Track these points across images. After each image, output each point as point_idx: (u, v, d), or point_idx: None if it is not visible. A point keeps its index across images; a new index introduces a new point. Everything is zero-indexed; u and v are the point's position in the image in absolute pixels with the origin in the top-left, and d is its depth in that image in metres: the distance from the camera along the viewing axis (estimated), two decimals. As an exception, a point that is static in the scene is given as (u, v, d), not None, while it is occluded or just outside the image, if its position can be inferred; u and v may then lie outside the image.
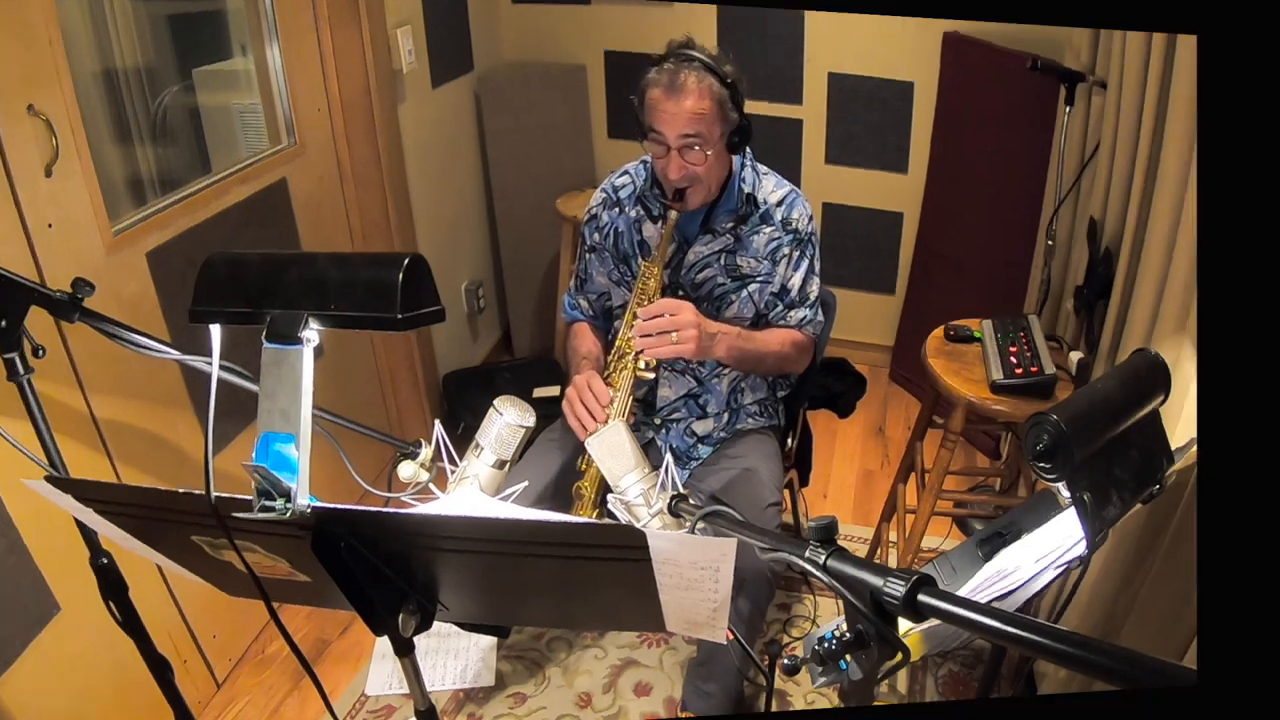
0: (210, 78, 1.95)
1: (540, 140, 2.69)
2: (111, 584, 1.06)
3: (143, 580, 1.14)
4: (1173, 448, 0.87)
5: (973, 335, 1.72)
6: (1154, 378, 0.84)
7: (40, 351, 0.97)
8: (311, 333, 0.73)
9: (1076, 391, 1.02)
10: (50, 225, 1.35)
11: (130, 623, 1.09)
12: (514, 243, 2.82)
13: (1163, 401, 0.84)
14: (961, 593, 0.76)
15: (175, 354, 1.00)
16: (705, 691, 1.56)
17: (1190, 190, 1.26)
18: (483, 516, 0.80)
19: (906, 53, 2.46)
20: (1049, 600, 1.55)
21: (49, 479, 0.78)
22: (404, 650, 0.84)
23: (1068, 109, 1.76)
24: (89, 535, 1.04)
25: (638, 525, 0.85)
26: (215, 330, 0.74)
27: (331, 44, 2.01)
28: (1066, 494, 0.80)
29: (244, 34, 1.93)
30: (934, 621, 0.61)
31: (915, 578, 0.60)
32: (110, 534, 0.87)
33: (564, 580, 0.81)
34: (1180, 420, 1.11)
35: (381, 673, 1.81)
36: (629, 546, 0.69)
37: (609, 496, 1.04)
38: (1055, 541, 0.87)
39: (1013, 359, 1.58)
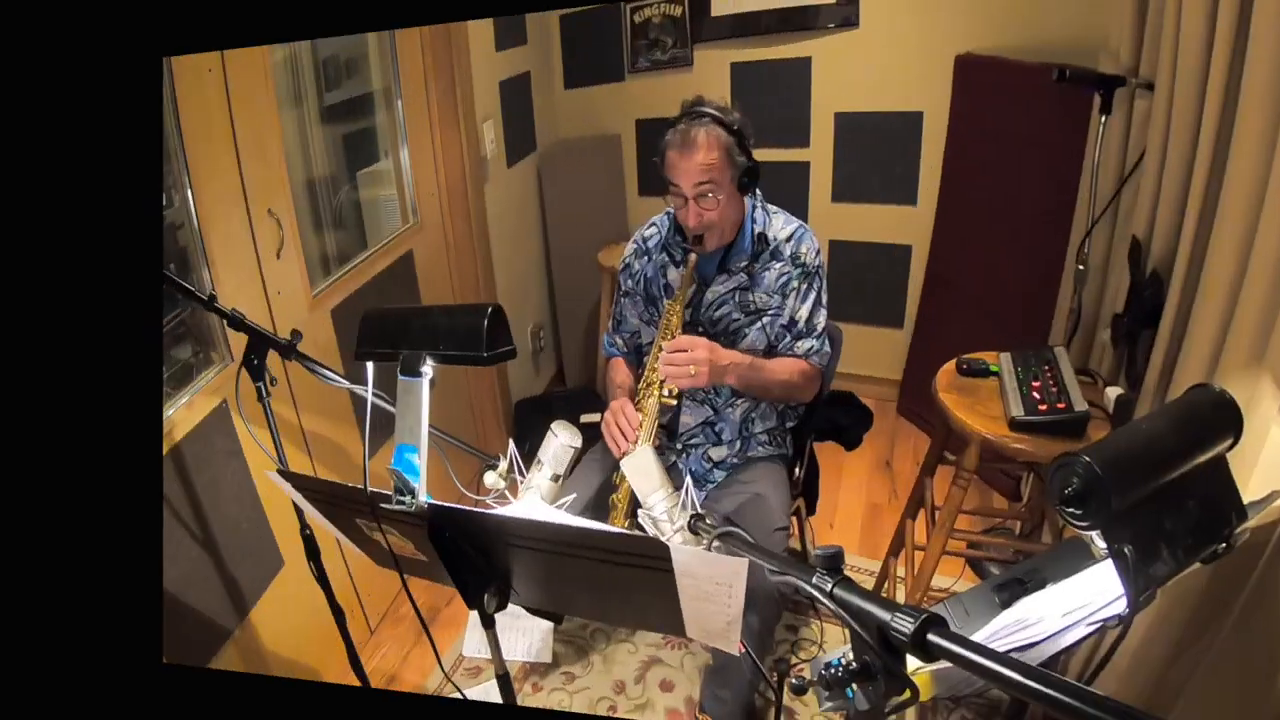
0: (366, 178, 2.26)
1: (586, 203, 2.86)
2: (311, 550, 1.33)
3: (329, 550, 1.41)
4: (1246, 501, 0.71)
5: (989, 369, 1.53)
6: (1219, 417, 0.68)
7: (274, 381, 1.25)
8: (428, 368, 0.86)
9: (1116, 430, 0.86)
10: (279, 292, 1.69)
11: (321, 579, 1.36)
12: (566, 291, 2.99)
13: (1231, 446, 0.68)
14: (976, 638, 0.65)
15: (346, 384, 1.25)
16: (720, 698, 1.58)
17: (1270, 199, 0.97)
18: (542, 521, 0.89)
19: (915, 82, 2.34)
20: (1080, 660, 1.37)
21: (279, 471, 1.00)
22: (488, 624, 0.96)
23: (1103, 119, 1.50)
24: (299, 513, 1.28)
25: (662, 539, 0.87)
26: (369, 367, 0.91)
27: (440, 141, 2.30)
28: (1102, 544, 0.66)
29: (387, 142, 2.25)
30: (945, 662, 0.55)
31: (925, 616, 0.55)
32: (311, 513, 1.08)
33: (601, 580, 0.87)
34: (1257, 468, 0.92)
35: (474, 639, 1.96)
36: (654, 557, 0.73)
37: (639, 511, 1.06)
38: (1088, 595, 0.71)
39: (1035, 394, 1.38)
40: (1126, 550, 0.64)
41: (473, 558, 0.88)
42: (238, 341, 1.33)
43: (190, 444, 1.46)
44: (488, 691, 1.82)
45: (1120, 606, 0.69)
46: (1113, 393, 1.38)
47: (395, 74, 2.16)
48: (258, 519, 1.63)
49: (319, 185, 2.07)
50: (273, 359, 1.25)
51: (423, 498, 0.86)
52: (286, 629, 1.71)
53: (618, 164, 2.95)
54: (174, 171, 1.43)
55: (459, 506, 0.84)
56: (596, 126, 2.95)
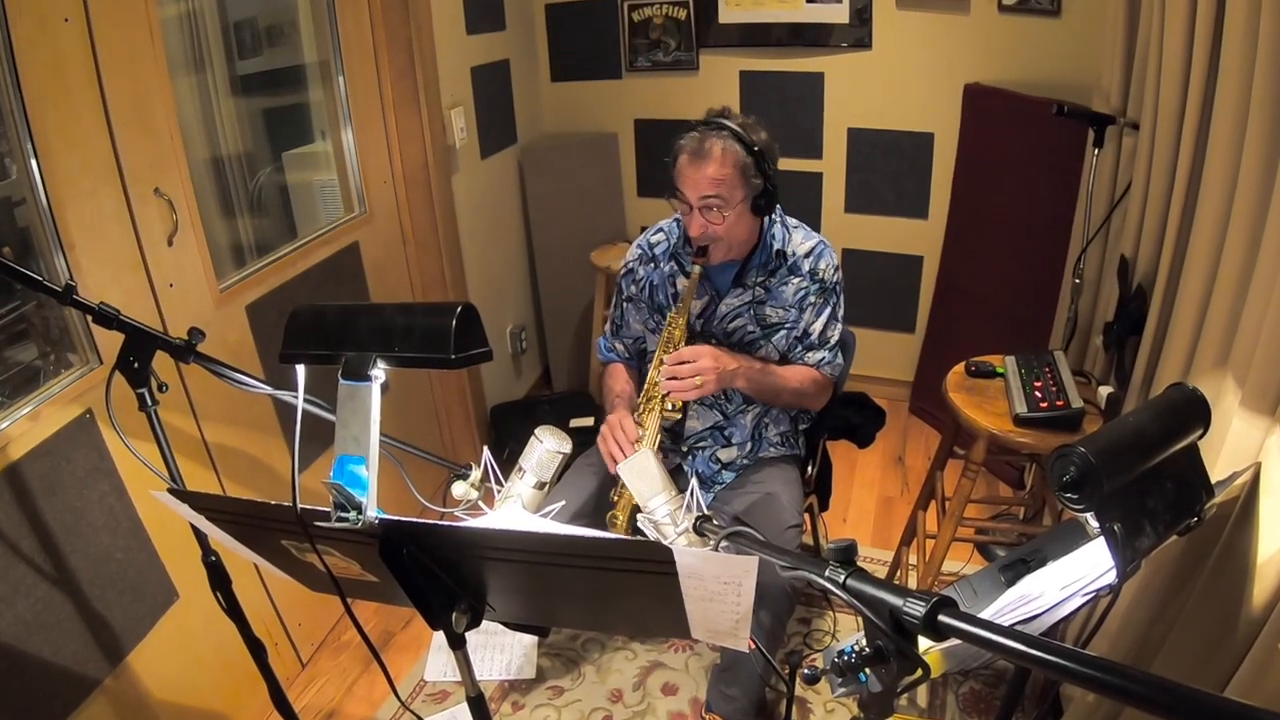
0: (296, 159, 2.10)
1: (576, 201, 2.79)
2: (218, 578, 1.16)
3: (242, 576, 1.23)
4: (1213, 480, 0.82)
5: (995, 370, 1.67)
6: (1192, 412, 0.78)
7: (164, 387, 1.06)
8: (379, 371, 0.78)
9: (1107, 424, 0.96)
10: (171, 285, 1.50)
11: (233, 610, 1.17)
12: (553, 291, 2.91)
13: (1202, 435, 0.78)
14: (984, 615, 0.72)
15: (268, 389, 1.09)
16: (729, 695, 1.56)
17: (1233, 227, 1.14)
18: (525, 531, 0.83)
19: (925, 106, 2.47)
20: (1076, 626, 1.51)
21: (171, 491, 0.85)
22: (456, 644, 0.87)
23: (1096, 151, 1.68)
24: (201, 537, 1.12)
25: (665, 542, 0.83)
26: (300, 370, 0.81)
27: (395, 126, 2.16)
28: (1095, 524, 0.75)
29: (324, 121, 2.08)
30: (954, 640, 0.58)
31: (935, 599, 0.58)
32: (217, 537, 0.93)
33: (597, 589, 0.83)
34: (1222, 453, 1.05)
35: (438, 662, 1.89)
36: (657, 561, 0.70)
37: (638, 515, 1.04)
38: (1083, 569, 0.81)
39: (1037, 393, 1.52)
40: (1116, 528, 0.73)
41: (437, 575, 0.81)
42: (109, 341, 1.14)
43: (36, 462, 1.24)
44: (454, 716, 1.72)
45: (1111, 577, 0.78)
46: (1104, 391, 1.54)
47: (335, 46, 1.99)
48: (138, 547, 1.44)
49: (229, 164, 1.89)
50: (164, 361, 1.05)
51: (372, 513, 0.77)
52: (182, 671, 1.55)
53: (614, 163, 2.90)
54: (10, 136, 1.21)
55: (419, 520, 0.76)
56: (590, 123, 2.90)
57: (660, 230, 1.65)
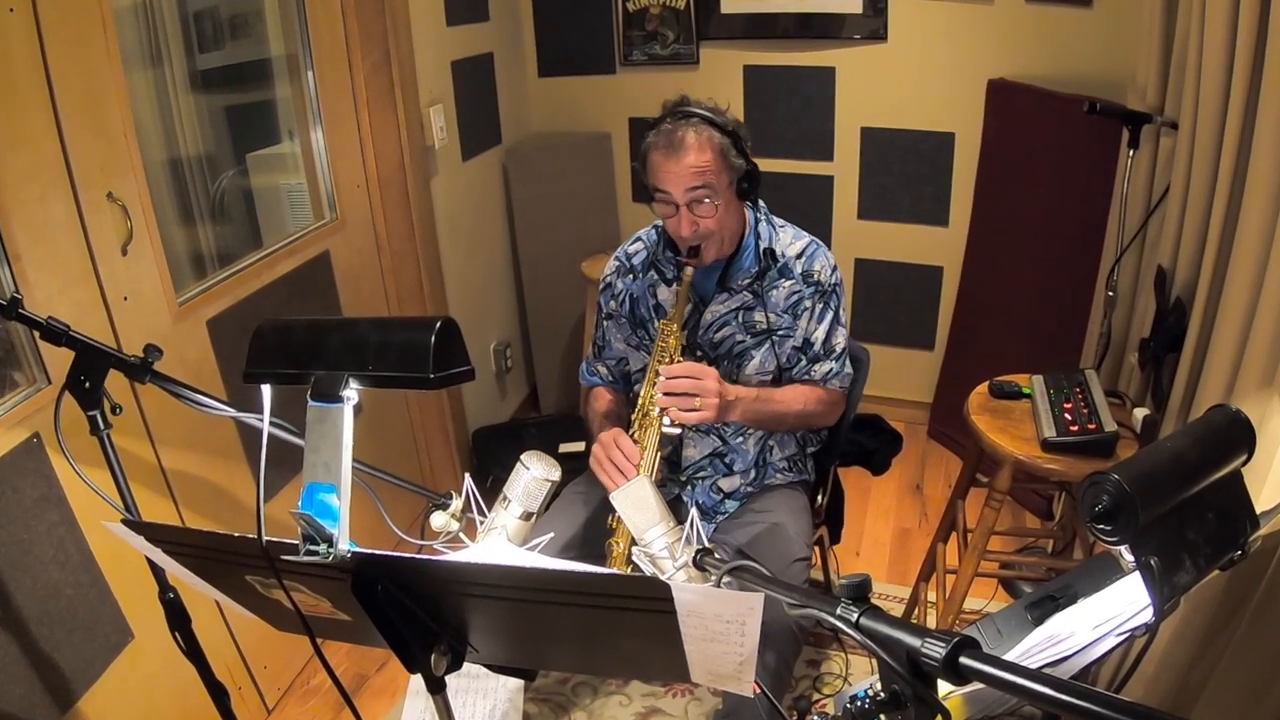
0: (262, 161, 2.13)
1: (565, 206, 2.83)
2: (177, 616, 1.18)
3: (204, 614, 1.25)
4: (1258, 510, 0.82)
5: (1021, 391, 1.68)
6: (1235, 435, 0.78)
7: (118, 409, 1.08)
8: (351, 392, 0.78)
9: (1142, 450, 0.94)
10: (125, 298, 1.52)
11: (193, 652, 1.19)
12: (540, 305, 2.94)
13: (1245, 461, 0.79)
14: (1009, 657, 0.73)
15: (231, 411, 1.11)
16: None
17: (1279, 242, 1.15)
18: (510, 565, 0.83)
19: (947, 104, 2.50)
20: (1109, 669, 1.51)
21: (125, 522, 0.86)
22: (436, 688, 0.87)
23: (1131, 153, 1.70)
24: (158, 572, 1.13)
25: (662, 578, 0.85)
26: (266, 390, 0.81)
27: (369, 125, 2.19)
28: (1130, 558, 0.76)
29: (292, 120, 2.11)
30: (977, 684, 0.59)
31: (956, 639, 0.59)
32: (176, 572, 0.94)
33: (589, 628, 0.83)
34: (1268, 481, 1.07)
35: (415, 708, 1.86)
36: (653, 598, 0.71)
37: (634, 549, 1.05)
38: (1117, 607, 0.82)
39: (1067, 415, 1.53)
40: (1153, 562, 0.73)
41: (415, 613, 0.81)
42: (58, 359, 1.16)
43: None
44: (431, 763, 1.70)
45: (1147, 615, 0.78)
46: (1140, 413, 1.56)
47: (304, 38, 2.02)
48: (90, 583, 1.45)
49: (188, 167, 1.92)
50: (118, 381, 1.07)
51: (344, 546, 0.78)
52: (138, 718, 1.55)
53: (607, 166, 2.94)
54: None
55: (396, 554, 0.77)
56: (581, 122, 2.94)
57: (638, 240, 1.66)
